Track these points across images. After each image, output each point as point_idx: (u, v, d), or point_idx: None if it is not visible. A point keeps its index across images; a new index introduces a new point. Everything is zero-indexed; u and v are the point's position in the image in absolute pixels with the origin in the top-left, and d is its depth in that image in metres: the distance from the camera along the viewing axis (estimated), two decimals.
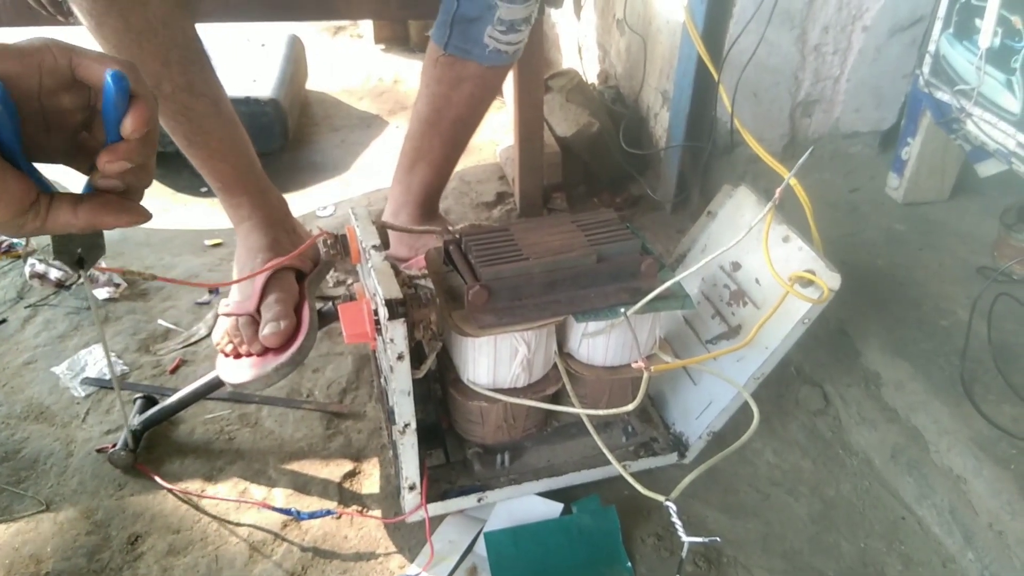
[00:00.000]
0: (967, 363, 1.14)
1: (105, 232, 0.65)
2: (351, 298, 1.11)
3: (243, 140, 1.20)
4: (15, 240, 1.57)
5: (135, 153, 0.57)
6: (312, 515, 1.06)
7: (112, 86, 0.54)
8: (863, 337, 1.23)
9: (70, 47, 0.56)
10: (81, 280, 1.45)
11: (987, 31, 1.24)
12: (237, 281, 1.17)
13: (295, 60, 2.22)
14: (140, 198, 0.61)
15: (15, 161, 0.54)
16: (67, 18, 1.09)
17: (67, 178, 0.60)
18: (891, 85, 1.67)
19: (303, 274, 1.23)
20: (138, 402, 1.18)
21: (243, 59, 2.12)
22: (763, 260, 0.96)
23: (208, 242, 1.68)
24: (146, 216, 0.61)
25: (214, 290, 1.49)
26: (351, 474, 1.14)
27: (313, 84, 2.46)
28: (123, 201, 0.59)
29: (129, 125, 0.55)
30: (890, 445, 1.14)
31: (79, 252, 0.64)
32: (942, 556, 1.04)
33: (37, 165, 0.57)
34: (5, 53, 0.53)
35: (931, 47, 1.38)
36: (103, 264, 0.69)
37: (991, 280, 1.25)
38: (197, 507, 1.08)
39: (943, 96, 1.37)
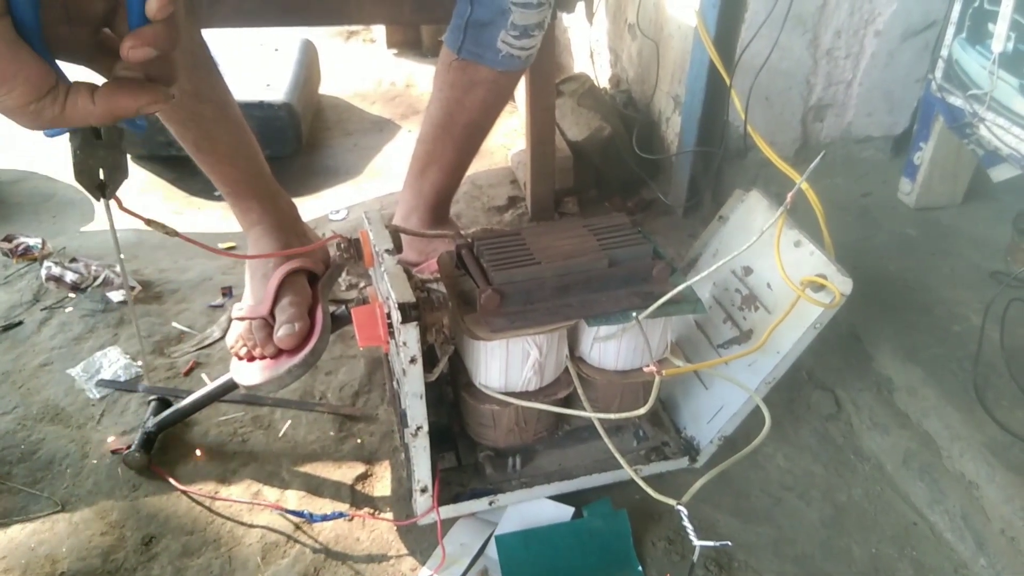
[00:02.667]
0: (980, 368, 1.13)
1: (118, 233, 0.65)
2: (364, 301, 1.11)
3: (251, 145, 1.21)
4: (31, 243, 1.58)
5: (160, 38, 0.53)
6: (324, 517, 1.06)
7: None
8: (875, 342, 1.23)
9: None
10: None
11: (1000, 35, 1.23)
12: (257, 257, 1.16)
13: (308, 64, 2.23)
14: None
15: (33, 43, 0.52)
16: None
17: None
18: (903, 90, 1.67)
19: (316, 277, 1.24)
20: (152, 404, 1.19)
21: (257, 64, 2.13)
22: (775, 264, 0.96)
23: (222, 245, 1.69)
24: (167, 96, 0.57)
25: (227, 293, 1.50)
26: (363, 476, 1.15)
27: (326, 88, 2.47)
28: (141, 81, 0.55)
29: (154, 4, 0.52)
30: (902, 450, 1.14)
31: (100, 175, 0.62)
32: (954, 562, 1.03)
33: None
34: None
35: (944, 52, 1.38)
36: (125, 205, 0.66)
37: (1004, 285, 1.24)
38: (211, 509, 1.09)
39: (956, 101, 1.37)
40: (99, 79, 0.57)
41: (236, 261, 1.61)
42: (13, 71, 0.50)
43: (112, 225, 0.72)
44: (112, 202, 0.67)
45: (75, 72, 0.55)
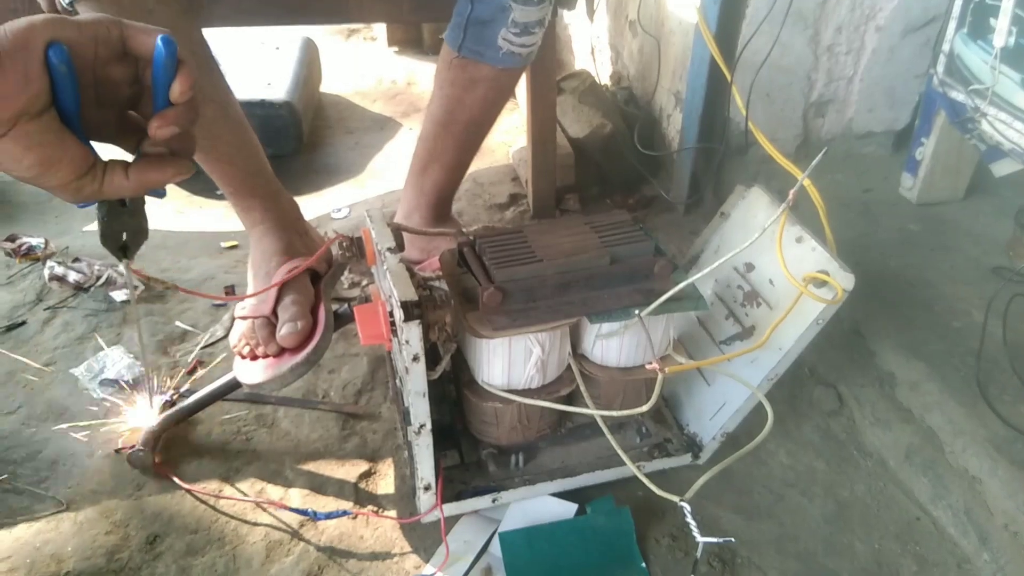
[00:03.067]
0: (982, 363, 1.13)
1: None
2: (366, 300, 1.11)
3: (253, 144, 1.21)
4: (34, 242, 1.59)
5: (182, 118, 0.60)
6: (328, 515, 1.06)
7: (163, 50, 0.57)
8: (877, 338, 1.23)
9: (120, 20, 0.59)
10: (116, 273, 1.46)
11: (1002, 30, 1.23)
12: (256, 294, 1.17)
13: (309, 63, 2.23)
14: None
15: (74, 128, 0.57)
16: None
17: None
18: (905, 85, 1.66)
19: (318, 275, 1.24)
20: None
21: (257, 62, 2.13)
22: (777, 261, 0.96)
23: (224, 244, 1.69)
24: (189, 169, 0.64)
25: (230, 292, 1.50)
26: (367, 474, 1.15)
27: (327, 87, 2.47)
28: (166, 156, 0.62)
29: (178, 88, 0.59)
30: (904, 446, 1.14)
31: (124, 237, 0.68)
32: (957, 557, 1.04)
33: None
34: (65, 23, 0.55)
35: (945, 47, 1.37)
36: (132, 266, 0.73)
37: (1006, 280, 1.24)
38: (215, 507, 1.09)
39: (957, 96, 1.37)
40: (121, 153, 0.64)
41: (238, 260, 1.61)
42: (59, 155, 0.57)
43: (131, 283, 0.79)
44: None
45: (101, 150, 0.61)
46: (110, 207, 0.66)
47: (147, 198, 0.68)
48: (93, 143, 0.61)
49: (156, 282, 0.87)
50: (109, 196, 0.62)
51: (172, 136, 0.60)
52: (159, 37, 0.57)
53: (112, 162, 0.60)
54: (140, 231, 0.69)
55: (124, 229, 0.68)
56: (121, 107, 0.62)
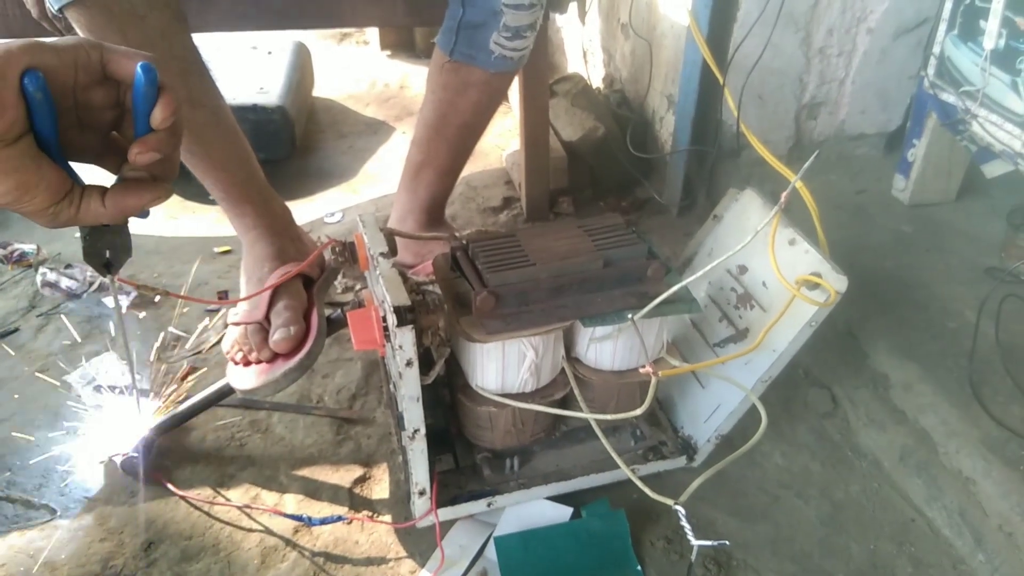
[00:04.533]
0: (975, 364, 1.14)
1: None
2: (360, 305, 1.11)
3: (244, 150, 1.21)
4: (26, 249, 1.58)
5: (163, 144, 0.60)
6: (323, 521, 1.06)
7: (143, 77, 0.57)
8: (871, 339, 1.23)
9: (100, 44, 0.58)
10: (104, 281, 1.46)
11: (992, 32, 1.24)
12: (248, 298, 1.17)
13: (301, 67, 2.23)
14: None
15: (51, 153, 0.57)
16: (65, 34, 1.10)
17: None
18: (896, 87, 1.67)
19: (311, 281, 1.24)
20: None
21: (250, 67, 2.13)
22: (769, 263, 0.96)
23: (217, 249, 1.69)
24: (168, 194, 0.63)
25: (223, 296, 1.50)
26: (361, 479, 1.15)
27: (319, 91, 2.47)
28: (144, 182, 0.62)
29: (159, 115, 0.58)
30: (899, 447, 1.14)
31: (107, 255, 0.68)
32: (952, 558, 1.04)
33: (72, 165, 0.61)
34: (43, 48, 0.55)
35: (936, 49, 1.38)
36: (123, 275, 0.73)
37: (999, 281, 1.25)
38: (209, 513, 1.09)
39: (948, 97, 1.38)
40: (105, 175, 0.63)
41: (232, 265, 1.61)
42: (35, 181, 0.56)
43: (117, 302, 0.81)
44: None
45: (84, 170, 0.61)
46: (92, 226, 0.66)
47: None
48: (77, 163, 0.61)
49: (147, 290, 0.87)
50: (86, 222, 0.62)
51: (153, 162, 0.60)
52: (139, 64, 0.57)
53: (89, 188, 0.60)
54: (123, 248, 0.69)
55: (107, 247, 0.68)
56: (104, 129, 0.62)
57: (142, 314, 1.45)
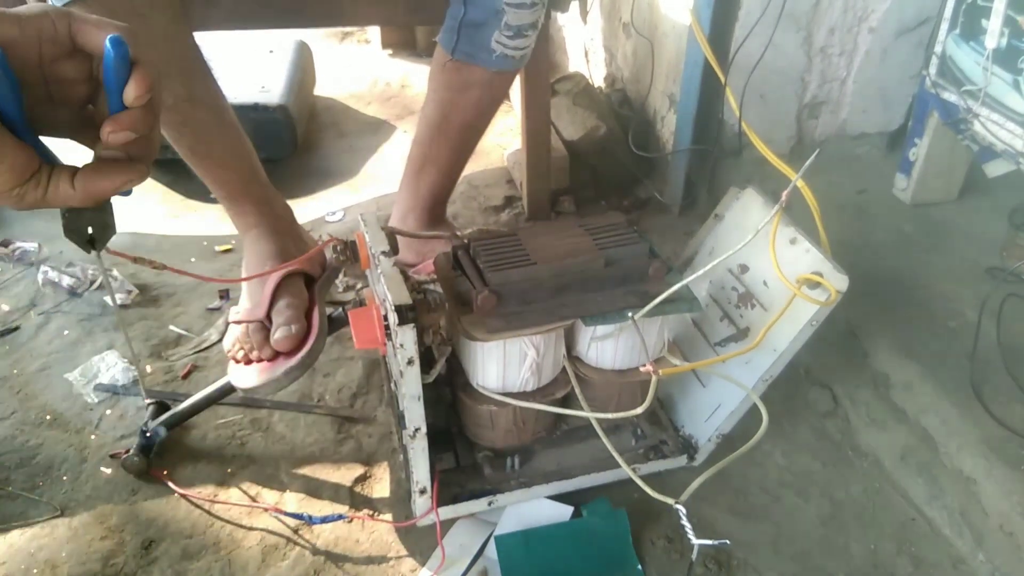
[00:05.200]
0: (976, 364, 1.13)
1: (115, 236, 0.66)
2: (361, 303, 1.11)
3: (246, 149, 1.21)
4: (27, 247, 1.58)
5: (138, 122, 0.55)
6: (324, 519, 1.06)
7: (112, 52, 0.53)
8: (872, 338, 1.23)
9: (68, 12, 0.54)
10: (92, 286, 1.46)
11: (993, 31, 1.24)
12: (248, 279, 1.17)
13: (303, 66, 2.23)
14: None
15: (16, 130, 0.53)
16: None
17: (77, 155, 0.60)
18: (898, 86, 1.67)
19: (312, 279, 1.24)
20: (151, 408, 1.19)
21: (251, 66, 2.13)
22: (770, 262, 0.96)
23: (219, 248, 1.69)
24: (143, 175, 0.58)
25: (225, 295, 1.50)
26: (362, 478, 1.15)
27: (321, 90, 2.47)
28: (117, 163, 0.57)
29: (131, 92, 0.54)
30: (900, 446, 1.14)
31: (90, 232, 0.63)
32: (952, 557, 1.04)
33: (47, 140, 0.57)
34: (3, 19, 0.51)
35: (938, 48, 1.38)
36: (113, 249, 0.69)
37: (1000, 281, 1.25)
38: (210, 512, 1.09)
39: (950, 97, 1.37)
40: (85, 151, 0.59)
41: (233, 263, 1.61)
42: None
43: (106, 278, 0.73)
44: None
45: (60, 145, 0.57)
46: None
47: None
48: (54, 140, 0.57)
49: (144, 262, 0.82)
50: (54, 204, 0.57)
51: (126, 141, 0.56)
52: (108, 38, 0.53)
53: (59, 168, 0.55)
54: (107, 226, 0.64)
55: (89, 224, 0.63)
56: (77, 104, 0.58)
57: (139, 311, 1.45)
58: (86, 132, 0.59)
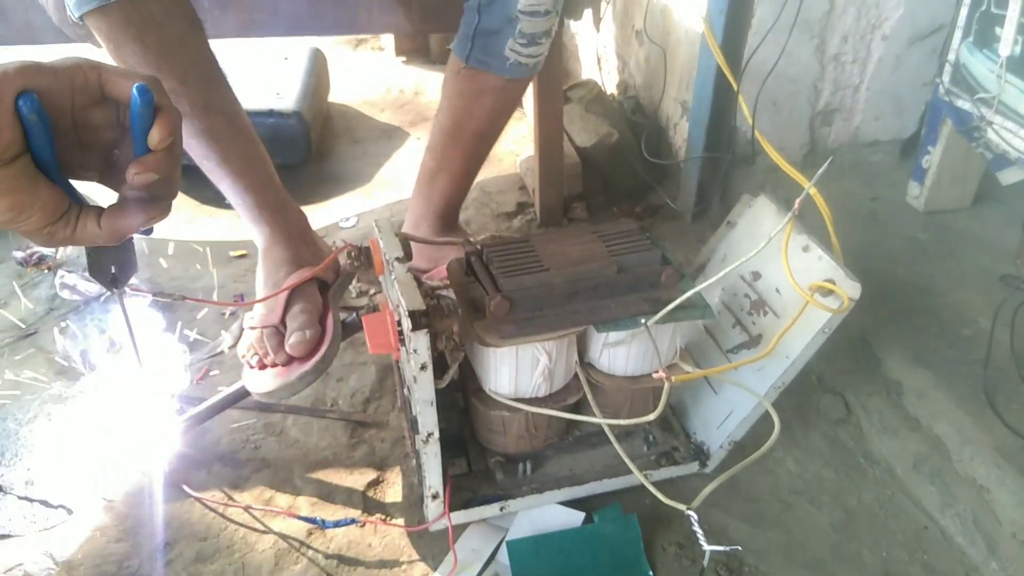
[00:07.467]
0: (989, 372, 1.13)
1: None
2: (374, 309, 1.12)
3: (261, 156, 1.22)
4: (45, 252, 1.60)
5: (161, 164, 0.60)
6: (337, 523, 1.07)
7: (138, 99, 0.57)
8: (884, 346, 1.23)
9: (99, 64, 0.58)
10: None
11: (1007, 39, 1.24)
12: (264, 300, 1.18)
13: (317, 73, 2.24)
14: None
15: (49, 173, 0.57)
16: (86, 41, 1.12)
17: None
18: (911, 94, 1.67)
19: (326, 285, 1.25)
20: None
21: (266, 72, 2.14)
22: (783, 270, 0.97)
23: (233, 253, 1.70)
24: (164, 212, 0.63)
25: (239, 299, 1.51)
26: (375, 483, 1.15)
27: (335, 96, 2.48)
28: (141, 202, 0.62)
29: (156, 135, 0.59)
30: (912, 454, 1.14)
31: (112, 270, 0.68)
32: (965, 566, 1.03)
33: (75, 183, 0.61)
34: (39, 70, 0.56)
35: (951, 55, 1.38)
36: (135, 283, 0.74)
37: (1014, 289, 1.24)
38: (224, 515, 1.10)
39: (963, 104, 1.37)
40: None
41: (247, 268, 1.62)
42: (31, 201, 0.57)
43: (125, 314, 0.82)
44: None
45: (87, 188, 0.62)
46: None
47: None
48: (82, 182, 0.61)
49: (162, 296, 0.88)
50: (82, 243, 0.62)
51: (150, 182, 0.60)
52: (135, 86, 0.57)
53: (87, 208, 0.61)
54: (128, 264, 0.69)
55: (112, 262, 0.68)
56: (105, 149, 0.63)
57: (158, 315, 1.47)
58: (112, 175, 0.64)
